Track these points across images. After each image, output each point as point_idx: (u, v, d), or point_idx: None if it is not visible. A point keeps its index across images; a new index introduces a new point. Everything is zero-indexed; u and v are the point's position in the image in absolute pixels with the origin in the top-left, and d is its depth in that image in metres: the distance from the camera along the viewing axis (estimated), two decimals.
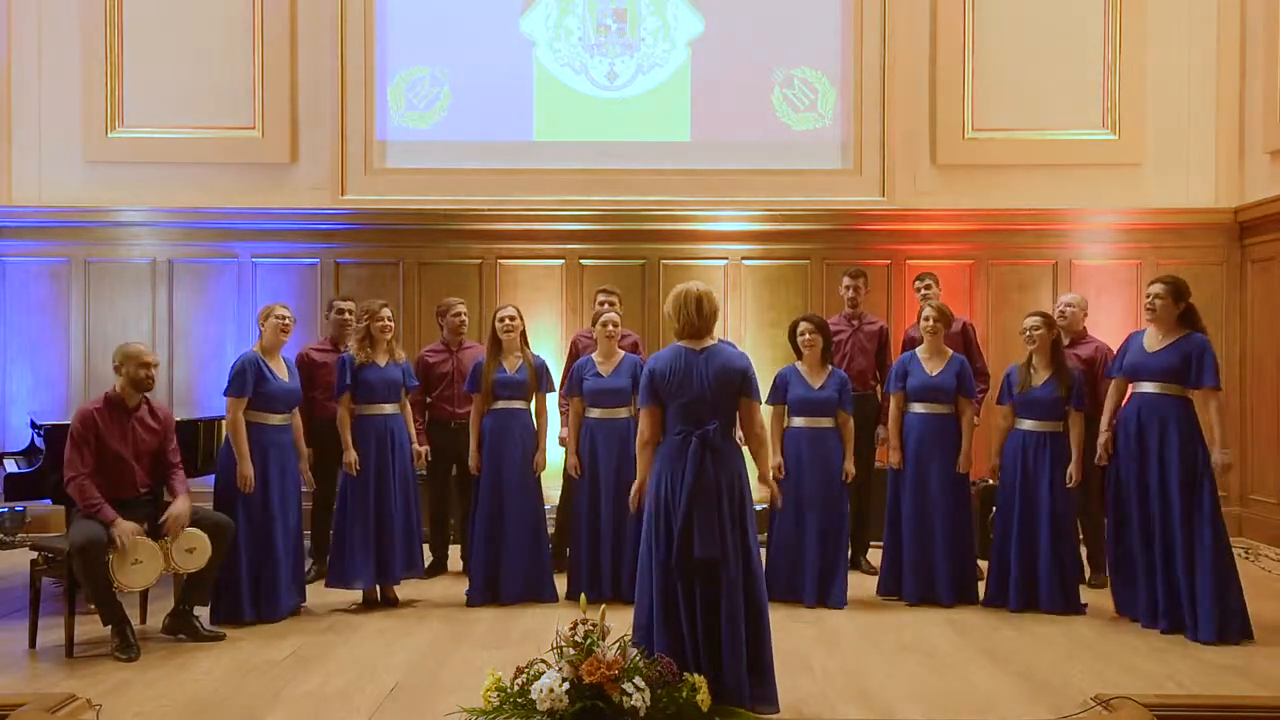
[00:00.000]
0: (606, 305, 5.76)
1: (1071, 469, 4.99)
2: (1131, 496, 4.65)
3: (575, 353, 5.88)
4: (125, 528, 4.22)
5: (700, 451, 3.45)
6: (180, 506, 4.41)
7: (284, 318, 4.94)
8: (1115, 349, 5.46)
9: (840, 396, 5.23)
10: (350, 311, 5.77)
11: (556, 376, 5.73)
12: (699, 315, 3.55)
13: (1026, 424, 5.06)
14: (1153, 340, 4.66)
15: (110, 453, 4.39)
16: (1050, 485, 4.96)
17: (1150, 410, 4.59)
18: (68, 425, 4.48)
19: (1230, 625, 4.41)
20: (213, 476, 4.96)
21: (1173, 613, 4.51)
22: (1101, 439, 4.84)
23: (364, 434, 5.05)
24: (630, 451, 5.13)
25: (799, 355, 5.35)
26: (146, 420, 4.53)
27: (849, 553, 5.45)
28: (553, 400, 5.59)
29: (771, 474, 4.08)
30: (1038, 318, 5.10)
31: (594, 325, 5.43)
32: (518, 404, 5.25)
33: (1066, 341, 5.30)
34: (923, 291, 5.95)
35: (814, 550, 5.11)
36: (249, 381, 4.77)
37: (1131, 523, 4.66)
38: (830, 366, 5.32)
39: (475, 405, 5.27)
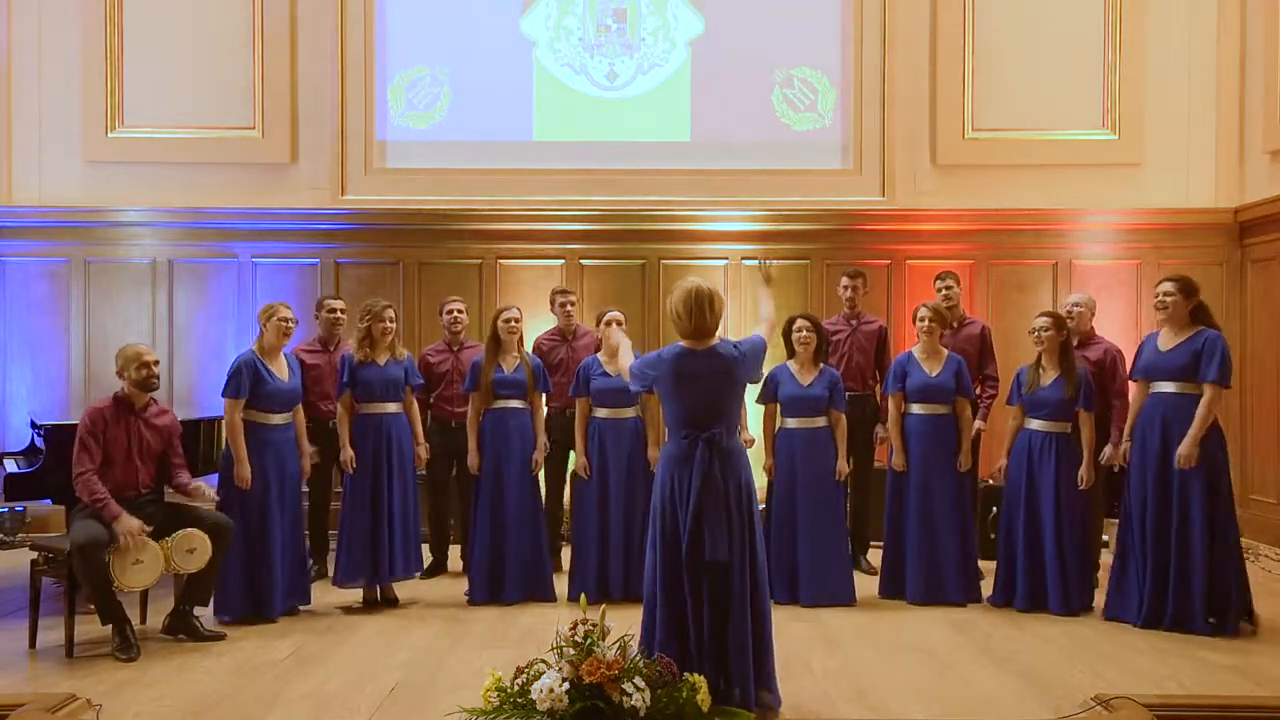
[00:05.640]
0: (569, 306, 5.90)
1: (1083, 471, 4.96)
2: (1149, 497, 4.61)
3: (539, 354, 5.79)
4: (128, 525, 4.22)
5: (708, 455, 3.42)
6: (198, 482, 4.61)
7: (287, 320, 4.92)
8: (1121, 350, 5.45)
9: (831, 394, 5.22)
10: (341, 310, 5.79)
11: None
12: (711, 314, 3.47)
13: (1033, 424, 5.05)
14: (1166, 340, 4.65)
15: (115, 451, 4.41)
16: (1055, 485, 4.94)
17: (1169, 411, 4.57)
18: (68, 425, 4.50)
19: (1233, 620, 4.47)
20: (211, 476, 4.96)
21: (1177, 613, 4.51)
22: (1122, 446, 4.83)
23: (363, 433, 5.05)
24: (639, 450, 5.16)
25: (791, 353, 5.34)
26: (152, 421, 4.55)
27: (850, 551, 5.45)
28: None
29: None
30: (1047, 319, 5.05)
31: (596, 325, 5.43)
32: (516, 403, 5.25)
33: (1075, 343, 5.25)
34: (944, 291, 5.83)
35: (810, 550, 5.10)
36: (245, 382, 4.77)
37: (1135, 524, 4.65)
38: (822, 365, 5.30)
39: (473, 404, 5.26)
